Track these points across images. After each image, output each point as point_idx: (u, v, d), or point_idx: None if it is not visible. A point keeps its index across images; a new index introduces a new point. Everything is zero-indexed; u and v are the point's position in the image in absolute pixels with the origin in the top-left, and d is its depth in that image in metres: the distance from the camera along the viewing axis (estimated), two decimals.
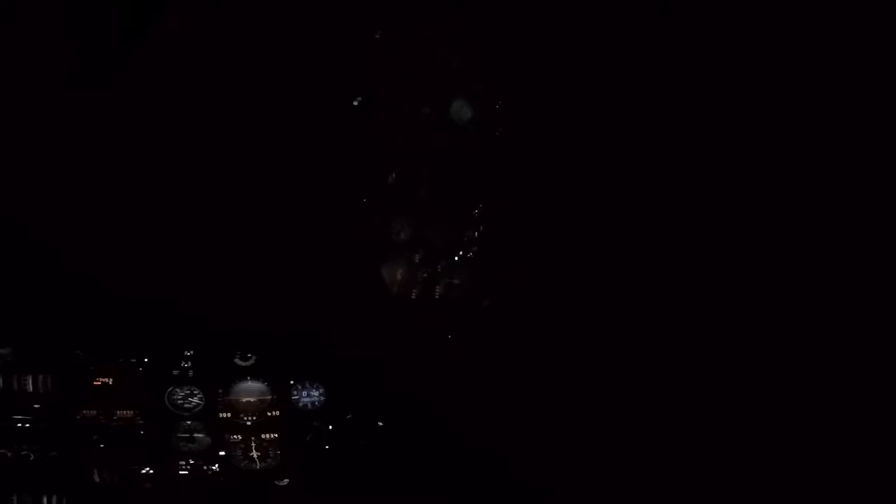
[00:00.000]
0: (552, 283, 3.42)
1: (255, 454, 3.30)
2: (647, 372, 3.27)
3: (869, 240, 3.16)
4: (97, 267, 3.09)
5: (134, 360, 3.20)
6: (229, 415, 3.27)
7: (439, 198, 3.46)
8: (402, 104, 3.42)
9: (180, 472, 3.27)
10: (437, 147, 3.44)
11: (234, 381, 3.25)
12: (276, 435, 3.30)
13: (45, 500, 3.24)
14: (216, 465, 3.29)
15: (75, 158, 3.08)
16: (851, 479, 3.09)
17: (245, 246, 3.19)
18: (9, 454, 3.19)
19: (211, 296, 3.13)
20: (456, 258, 3.48)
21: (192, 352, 3.22)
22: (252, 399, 3.27)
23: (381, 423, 3.30)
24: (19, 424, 3.18)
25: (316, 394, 3.29)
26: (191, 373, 3.23)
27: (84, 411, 3.20)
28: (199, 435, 3.26)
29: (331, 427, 3.30)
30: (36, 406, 3.19)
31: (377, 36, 3.34)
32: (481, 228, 3.48)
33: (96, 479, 3.25)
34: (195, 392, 3.24)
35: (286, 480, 3.33)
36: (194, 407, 3.25)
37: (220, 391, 3.25)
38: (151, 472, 3.26)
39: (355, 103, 3.36)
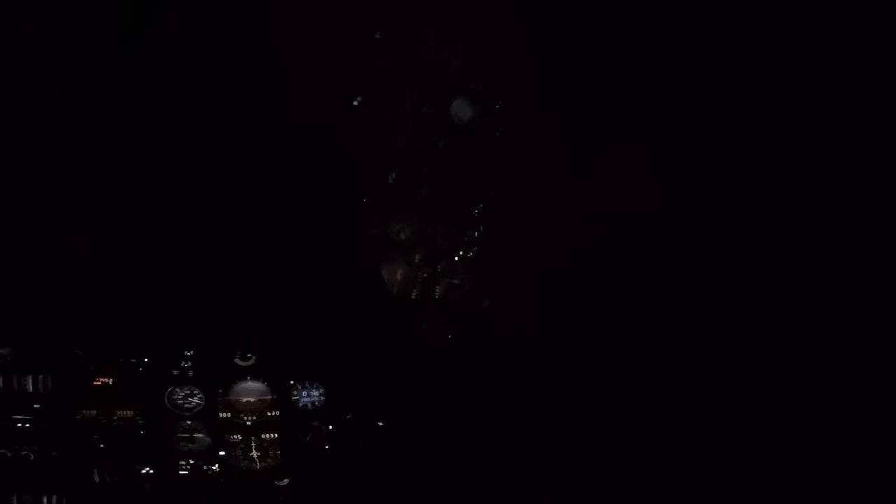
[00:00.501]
0: (552, 284, 3.42)
1: (255, 454, 3.30)
2: (646, 373, 3.27)
3: (869, 240, 3.16)
4: (97, 267, 3.09)
5: (134, 360, 3.20)
6: (229, 415, 3.27)
7: (439, 198, 3.46)
8: (402, 104, 3.42)
9: (180, 472, 3.27)
10: (437, 147, 3.44)
11: (234, 381, 3.25)
12: (276, 435, 3.30)
13: (45, 500, 3.24)
14: (216, 465, 3.28)
15: (75, 158, 3.08)
16: (851, 479, 3.09)
17: (245, 246, 3.19)
18: (9, 454, 3.19)
19: (211, 296, 3.13)
20: (456, 258, 3.48)
21: (192, 352, 3.22)
22: (252, 399, 3.27)
23: (381, 423, 3.30)
24: (19, 424, 3.18)
25: (316, 394, 3.29)
26: (191, 373, 3.23)
27: (84, 411, 3.20)
28: (199, 435, 3.26)
29: (331, 427, 3.30)
30: (36, 406, 3.19)
31: (377, 36, 3.34)
32: (481, 228, 3.48)
33: (96, 479, 3.25)
34: (195, 392, 3.24)
35: (286, 480, 3.33)
36: (194, 407, 3.25)
37: (220, 391, 3.25)
38: (151, 472, 3.26)
39: (355, 103, 3.36)
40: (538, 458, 3.23)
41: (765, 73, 3.19)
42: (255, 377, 3.26)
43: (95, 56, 2.96)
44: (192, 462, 3.27)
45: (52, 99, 2.99)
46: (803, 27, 3.12)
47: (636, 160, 3.33)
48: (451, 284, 3.48)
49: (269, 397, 3.27)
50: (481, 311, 3.47)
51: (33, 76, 2.97)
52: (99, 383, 3.19)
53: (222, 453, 3.29)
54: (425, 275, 3.47)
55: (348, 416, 3.30)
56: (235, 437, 3.28)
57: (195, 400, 3.24)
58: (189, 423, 3.25)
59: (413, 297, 3.46)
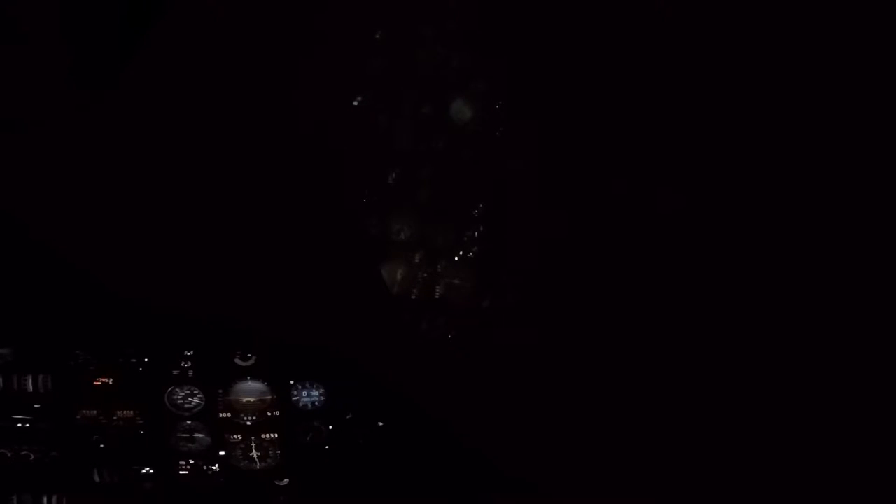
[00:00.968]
0: (552, 284, 3.42)
1: (255, 454, 3.30)
2: (648, 373, 3.27)
3: (869, 240, 3.16)
4: (97, 267, 3.09)
5: (134, 360, 3.20)
6: (229, 415, 3.27)
7: (439, 198, 3.46)
8: (402, 104, 3.42)
9: (180, 472, 3.27)
10: (436, 147, 3.44)
11: (234, 381, 3.26)
12: (276, 435, 3.30)
13: (45, 500, 3.24)
14: (216, 465, 3.29)
15: (75, 158, 3.08)
16: (851, 479, 3.09)
17: (245, 246, 3.19)
18: (9, 454, 3.19)
19: (211, 296, 3.13)
20: (456, 258, 3.48)
21: (192, 352, 3.23)
22: (252, 399, 3.27)
23: (381, 423, 3.30)
24: (19, 424, 3.18)
25: (316, 394, 3.29)
26: (191, 373, 3.23)
27: (84, 411, 3.21)
28: (199, 435, 3.26)
29: (331, 427, 3.30)
30: (36, 406, 3.19)
31: (377, 36, 3.34)
32: (481, 228, 3.48)
33: (96, 479, 3.25)
34: (195, 392, 3.24)
35: (286, 480, 3.33)
36: (194, 407, 3.25)
37: (220, 391, 3.25)
38: (151, 472, 3.26)
39: (355, 103, 3.36)
40: (538, 458, 3.23)
41: (765, 72, 3.20)
42: (255, 377, 3.26)
43: (95, 56, 2.96)
44: (192, 462, 3.27)
45: (52, 99, 2.99)
46: (803, 27, 3.12)
47: (636, 160, 3.34)
48: (451, 284, 3.48)
49: (269, 397, 3.27)
50: (481, 311, 3.47)
51: (33, 76, 2.97)
52: (99, 383, 3.20)
53: (222, 453, 3.29)
54: (425, 275, 3.47)
55: (348, 416, 3.30)
56: (235, 437, 3.28)
57: (195, 400, 3.24)
58: (189, 423, 3.25)
59: (413, 297, 3.46)
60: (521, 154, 3.43)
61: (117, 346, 3.21)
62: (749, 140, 3.24)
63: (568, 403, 3.29)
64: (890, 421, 3.09)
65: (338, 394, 3.30)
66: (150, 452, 3.26)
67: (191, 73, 3.08)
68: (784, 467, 3.18)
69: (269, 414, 3.28)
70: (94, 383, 3.19)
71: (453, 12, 3.36)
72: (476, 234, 3.48)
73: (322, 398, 3.29)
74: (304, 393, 3.29)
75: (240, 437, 3.28)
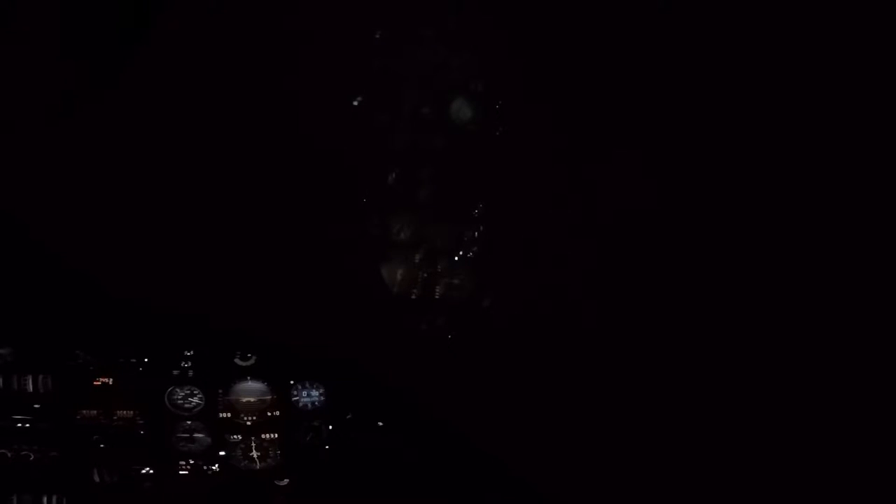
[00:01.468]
0: (552, 283, 3.42)
1: (255, 454, 3.29)
2: (648, 373, 3.27)
3: (869, 240, 3.16)
4: (97, 267, 3.09)
5: (134, 360, 3.20)
6: (229, 415, 3.27)
7: (439, 198, 3.46)
8: (402, 104, 3.42)
9: (180, 472, 3.27)
10: (436, 147, 3.44)
11: (234, 381, 3.26)
12: (276, 435, 3.30)
13: (45, 500, 3.23)
14: (216, 465, 3.28)
15: (75, 158, 3.07)
16: (851, 479, 3.09)
17: (245, 246, 3.19)
18: (9, 454, 3.19)
19: (211, 296, 3.13)
20: (456, 258, 3.48)
21: (192, 352, 3.23)
22: (252, 399, 3.27)
23: (381, 423, 3.30)
24: (19, 424, 3.18)
25: (316, 394, 3.29)
26: (191, 373, 3.23)
27: (84, 411, 3.20)
28: (199, 435, 3.26)
29: (331, 427, 3.30)
30: (36, 406, 3.18)
31: (377, 36, 3.34)
32: (481, 228, 3.48)
33: (96, 479, 3.25)
34: (195, 392, 3.24)
35: (286, 480, 3.33)
36: (194, 407, 3.25)
37: (220, 391, 3.25)
38: (151, 472, 3.26)
39: (355, 103, 3.36)
40: (538, 458, 3.23)
41: (765, 72, 3.19)
42: (255, 377, 3.26)
43: (95, 56, 2.96)
44: (192, 462, 3.27)
45: (52, 99, 2.99)
46: (803, 27, 3.12)
47: (636, 160, 3.33)
48: (451, 284, 3.48)
49: (269, 397, 3.27)
50: (481, 311, 3.47)
51: (33, 76, 2.97)
52: (99, 383, 3.19)
53: (222, 453, 3.28)
54: (425, 275, 3.47)
55: (348, 416, 3.30)
56: (235, 437, 3.28)
57: (195, 400, 3.24)
58: (189, 423, 3.25)
59: (413, 297, 3.46)
60: (521, 154, 3.43)
61: (117, 346, 3.21)
62: (749, 140, 3.24)
63: (568, 403, 3.29)
64: (890, 421, 3.09)
65: (338, 394, 3.30)
66: (150, 452, 3.25)
67: (190, 73, 3.08)
68: (784, 468, 3.18)
69: (269, 414, 3.28)
70: (94, 383, 3.19)
71: (453, 12, 3.36)
72: (476, 234, 3.48)
73: (322, 398, 3.29)
74: (304, 393, 3.29)
75: (240, 437, 3.28)
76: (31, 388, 3.17)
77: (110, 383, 3.20)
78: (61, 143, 3.05)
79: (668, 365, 3.27)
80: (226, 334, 3.25)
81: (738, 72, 3.21)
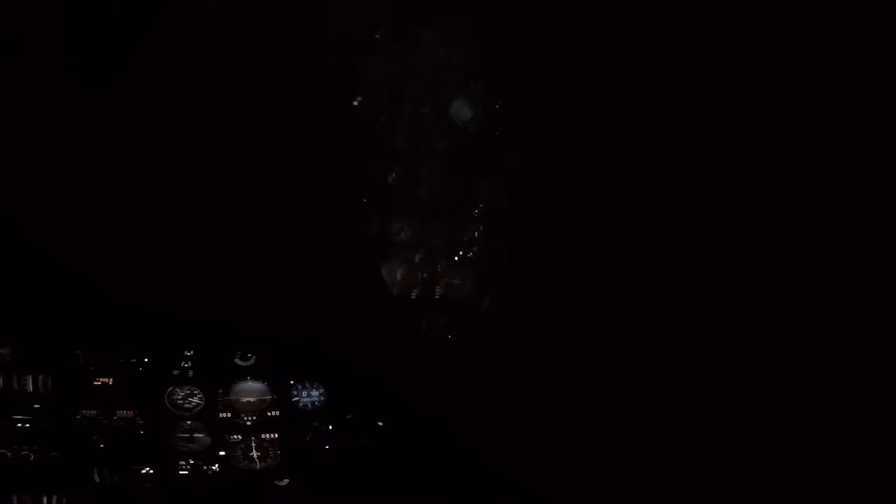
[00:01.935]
0: (552, 283, 3.42)
1: (255, 454, 3.30)
2: (648, 373, 3.27)
3: (869, 240, 3.16)
4: (97, 267, 3.09)
5: (134, 360, 3.21)
6: (229, 415, 3.27)
7: (439, 198, 3.46)
8: (402, 104, 3.42)
9: (180, 472, 3.27)
10: (436, 147, 3.44)
11: (234, 381, 3.26)
12: (276, 435, 3.30)
13: (45, 500, 3.23)
14: (216, 465, 3.29)
15: (75, 158, 3.08)
16: (851, 479, 3.09)
17: (245, 246, 3.19)
18: (9, 454, 3.19)
19: (211, 296, 3.13)
20: (456, 258, 3.48)
21: (192, 352, 3.23)
22: (252, 399, 3.27)
23: (381, 423, 3.31)
24: (19, 424, 3.18)
25: (316, 394, 3.29)
26: (191, 373, 3.23)
27: (84, 411, 3.21)
28: (199, 435, 3.26)
29: (331, 427, 3.30)
30: (36, 406, 3.19)
31: (377, 36, 3.34)
32: (481, 228, 3.48)
33: (96, 479, 3.25)
34: (195, 392, 3.24)
35: (286, 480, 3.33)
36: (194, 407, 3.25)
37: (220, 391, 3.26)
38: (151, 472, 3.26)
39: (355, 103, 3.36)
40: (538, 458, 3.23)
41: (765, 72, 3.19)
42: (255, 377, 3.27)
43: (95, 56, 2.96)
44: (192, 462, 3.27)
45: (52, 99, 2.99)
46: (804, 27, 3.12)
47: (637, 160, 3.33)
48: (451, 284, 3.48)
49: (269, 397, 3.28)
50: (481, 311, 3.47)
51: (33, 76, 2.97)
52: (99, 383, 3.20)
53: (222, 453, 3.29)
54: (425, 275, 3.47)
55: (348, 416, 3.30)
56: (235, 437, 3.29)
57: (195, 400, 3.25)
58: (189, 423, 3.25)
59: (413, 297, 3.46)
60: (521, 154, 3.43)
61: (117, 346, 3.21)
62: (749, 140, 3.24)
63: (568, 403, 3.29)
64: (890, 421, 3.09)
65: (338, 394, 3.30)
66: (150, 452, 3.25)
67: (190, 73, 3.08)
68: (785, 470, 3.18)
69: (269, 414, 3.29)
70: (94, 383, 3.20)
71: (453, 12, 3.36)
72: (476, 234, 3.48)
73: (322, 398, 3.29)
74: (304, 393, 3.29)
75: (240, 437, 3.29)
76: (31, 388, 3.18)
77: (110, 383, 3.20)
78: (61, 143, 3.05)
79: (668, 365, 3.27)
80: (226, 334, 3.25)
81: (739, 72, 3.20)
